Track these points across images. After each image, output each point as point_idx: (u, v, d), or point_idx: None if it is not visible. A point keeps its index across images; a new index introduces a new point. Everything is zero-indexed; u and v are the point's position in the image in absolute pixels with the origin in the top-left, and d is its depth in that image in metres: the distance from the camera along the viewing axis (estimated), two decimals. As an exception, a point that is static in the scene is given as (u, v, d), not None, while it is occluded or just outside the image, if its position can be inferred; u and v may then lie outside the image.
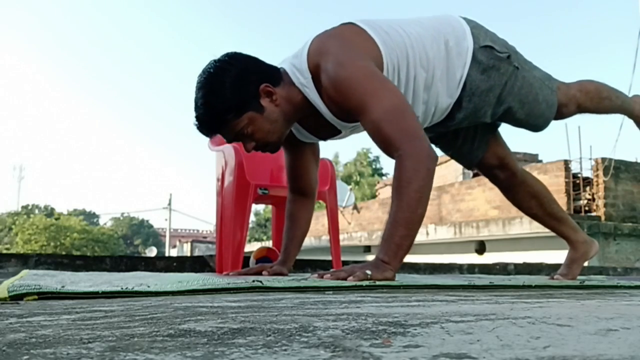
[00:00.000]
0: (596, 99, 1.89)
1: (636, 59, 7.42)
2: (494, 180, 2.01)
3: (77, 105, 79.16)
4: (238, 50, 1.64)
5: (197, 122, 1.57)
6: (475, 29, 1.72)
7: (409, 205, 1.40)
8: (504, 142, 1.98)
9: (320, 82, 1.54)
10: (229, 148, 2.41)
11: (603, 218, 10.12)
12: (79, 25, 73.84)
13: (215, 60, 1.58)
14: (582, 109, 1.89)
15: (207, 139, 2.61)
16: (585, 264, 2.13)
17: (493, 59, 1.68)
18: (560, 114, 1.85)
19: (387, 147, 1.47)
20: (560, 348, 0.42)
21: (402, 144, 1.43)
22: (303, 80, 1.56)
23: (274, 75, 1.60)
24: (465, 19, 1.76)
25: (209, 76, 1.55)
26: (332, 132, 1.72)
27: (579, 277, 2.03)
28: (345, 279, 1.34)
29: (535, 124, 1.82)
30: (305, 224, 2.00)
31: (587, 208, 10.39)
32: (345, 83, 1.48)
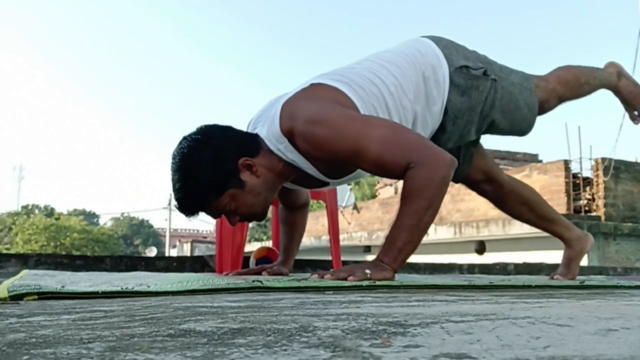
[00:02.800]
0: (576, 87, 1.88)
1: (636, 59, 7.42)
2: (483, 194, 2.01)
3: (78, 105, 79.25)
4: (212, 122, 1.57)
5: (177, 206, 1.52)
6: (447, 49, 1.69)
7: (417, 213, 1.36)
8: (486, 153, 1.98)
9: (297, 146, 1.47)
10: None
11: (603, 218, 10.12)
12: (80, 24, 73.91)
13: (188, 140, 1.50)
14: (563, 100, 1.88)
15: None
16: (585, 263, 2.13)
17: (470, 79, 1.65)
18: (543, 110, 1.84)
19: (398, 170, 1.39)
20: (560, 348, 0.42)
21: (411, 157, 1.36)
22: (281, 147, 1.49)
23: (252, 145, 1.52)
24: (434, 39, 1.72)
25: (183, 159, 1.48)
26: (320, 184, 1.67)
27: (579, 277, 2.03)
28: (345, 279, 1.33)
29: (520, 130, 1.82)
30: (302, 227, 2.00)
31: (587, 208, 10.39)
32: (327, 139, 1.40)
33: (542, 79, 1.84)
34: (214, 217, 1.60)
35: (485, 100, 1.68)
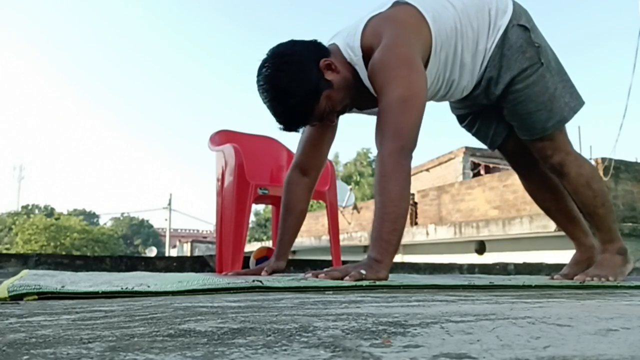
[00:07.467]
0: (582, 181, 1.79)
1: (636, 59, 7.42)
2: (513, 165, 2.01)
3: (77, 106, 79.25)
4: (275, 43, 1.64)
5: (284, 127, 1.62)
6: (521, 9, 1.73)
7: (391, 200, 1.43)
8: None
9: (367, 63, 1.58)
10: (229, 148, 2.41)
11: (603, 218, 10.10)
12: (79, 26, 73.90)
13: (267, 65, 1.58)
14: (562, 171, 1.79)
15: (208, 140, 2.62)
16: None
17: (522, 39, 1.68)
18: (543, 154, 1.78)
19: (376, 137, 1.52)
20: (560, 348, 0.42)
21: (385, 139, 1.48)
22: (354, 58, 1.61)
23: (322, 48, 1.64)
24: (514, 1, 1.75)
25: (274, 82, 1.56)
26: (373, 105, 1.73)
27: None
28: (339, 278, 1.34)
29: (533, 127, 1.75)
30: (301, 214, 1.95)
31: (587, 208, 10.37)
32: (379, 65, 1.53)
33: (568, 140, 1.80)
34: (318, 121, 1.65)
35: (523, 71, 1.68)
